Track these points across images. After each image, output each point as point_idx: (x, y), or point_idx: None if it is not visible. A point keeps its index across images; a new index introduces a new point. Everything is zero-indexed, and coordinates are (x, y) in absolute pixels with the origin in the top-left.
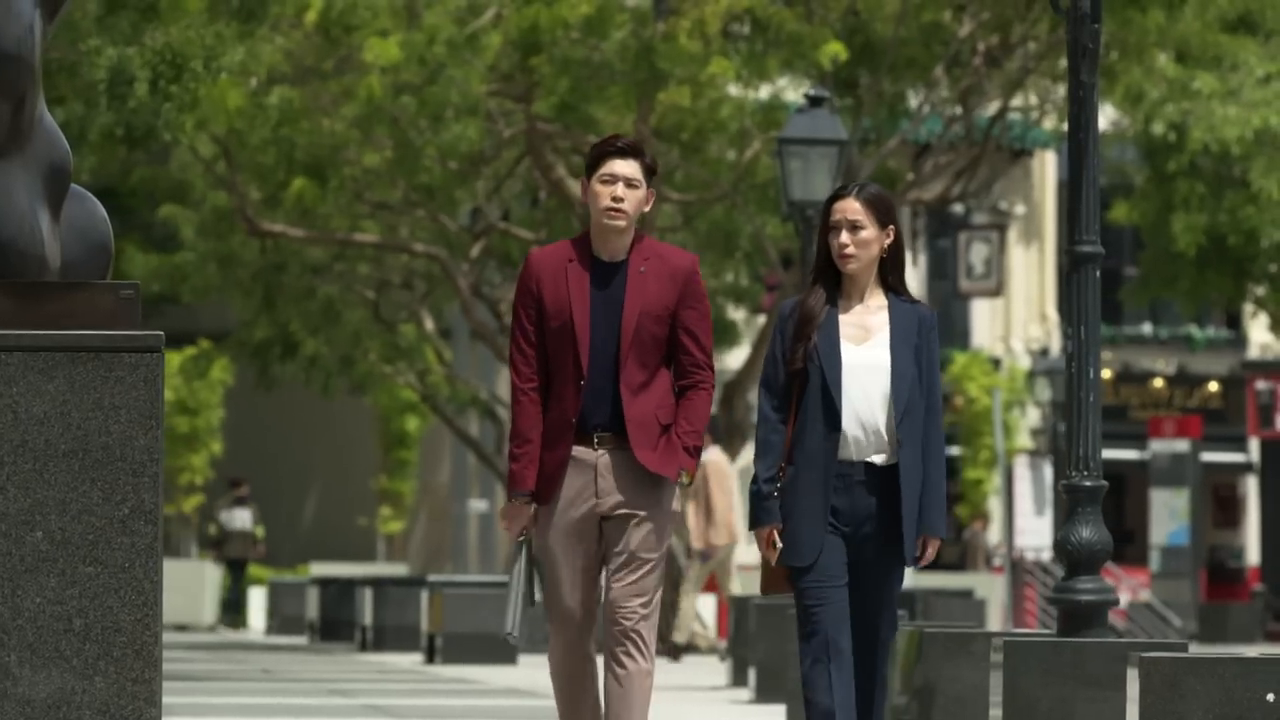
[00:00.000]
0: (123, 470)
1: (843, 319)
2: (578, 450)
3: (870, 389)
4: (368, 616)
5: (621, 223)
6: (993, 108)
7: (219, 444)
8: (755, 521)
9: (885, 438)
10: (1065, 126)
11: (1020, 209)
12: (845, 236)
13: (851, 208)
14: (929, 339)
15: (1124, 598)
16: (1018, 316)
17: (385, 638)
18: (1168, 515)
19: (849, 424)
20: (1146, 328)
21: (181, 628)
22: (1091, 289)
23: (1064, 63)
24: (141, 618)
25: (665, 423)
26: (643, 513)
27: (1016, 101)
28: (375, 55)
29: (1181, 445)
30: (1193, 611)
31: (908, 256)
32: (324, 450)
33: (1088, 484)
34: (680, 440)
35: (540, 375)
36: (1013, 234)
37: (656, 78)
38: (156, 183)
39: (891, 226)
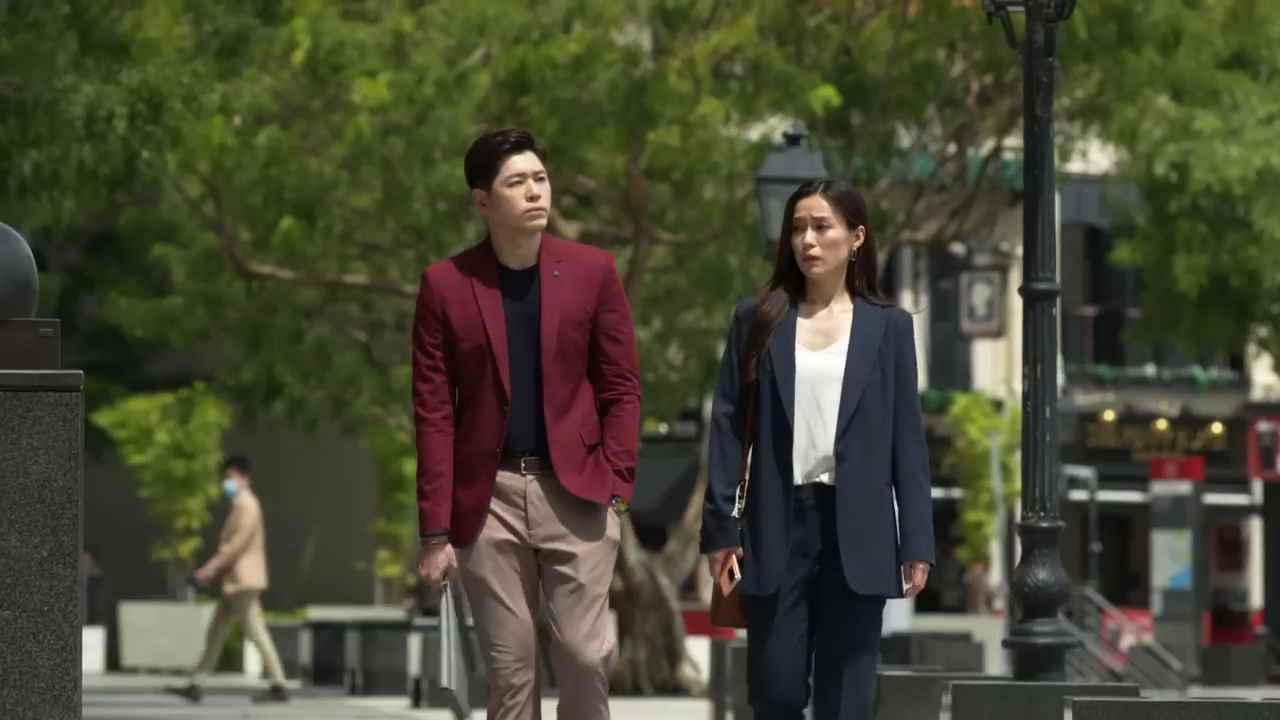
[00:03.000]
0: (41, 512)
1: (801, 323)
2: (503, 477)
3: (824, 401)
4: (356, 661)
5: (543, 221)
6: (987, 147)
7: (215, 488)
8: (711, 543)
9: (834, 451)
10: (1065, 166)
11: (1021, 249)
12: (810, 236)
13: (817, 205)
14: (900, 344)
15: (1126, 641)
16: (1020, 358)
17: (374, 682)
18: (1170, 558)
19: (800, 441)
20: (1150, 369)
21: (177, 672)
22: (1048, 327)
23: (1061, 101)
24: (60, 663)
25: (591, 443)
26: (581, 545)
27: (1011, 141)
28: (363, 95)
29: (1183, 487)
30: (1195, 655)
31: (908, 298)
32: (322, 493)
33: (1044, 525)
34: (611, 463)
35: (450, 403)
36: (1015, 275)
37: (646, 117)
38: (145, 224)
39: (862, 227)
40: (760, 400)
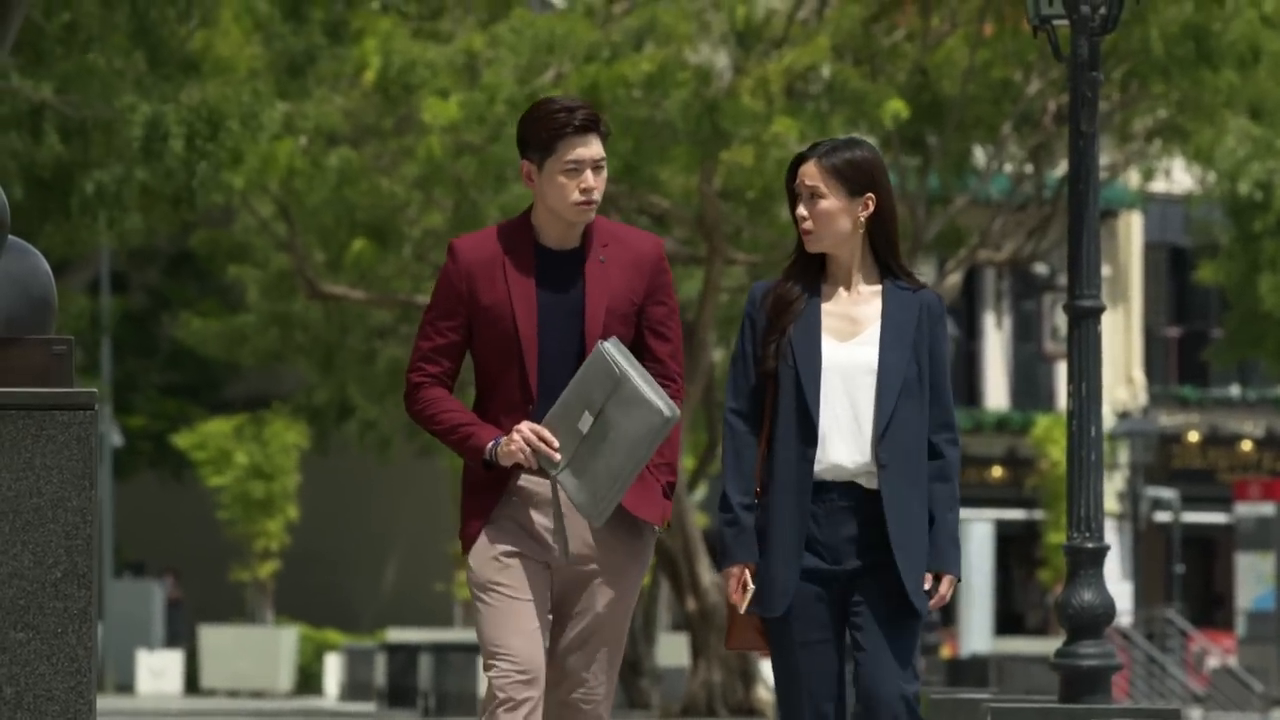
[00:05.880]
0: (55, 533)
1: (826, 309)
2: (530, 482)
3: (855, 394)
4: (430, 683)
5: (593, 214)
6: (1063, 167)
7: (295, 509)
8: (727, 558)
9: (873, 455)
10: (1148, 185)
11: (1106, 270)
12: (802, 208)
13: (808, 172)
14: (934, 332)
15: (1211, 663)
16: (1103, 379)
17: (447, 704)
18: (1254, 580)
19: (828, 437)
20: (1234, 390)
21: (257, 694)
22: (1092, 344)
23: (1139, 123)
24: (75, 685)
25: None
26: (615, 570)
27: None
28: (435, 115)
29: (1268, 509)
30: (1278, 677)
31: (991, 319)
32: (401, 515)
33: (1090, 546)
34: (655, 476)
35: (450, 387)
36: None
37: (720, 137)
38: (219, 244)
39: (870, 195)
40: (780, 395)
